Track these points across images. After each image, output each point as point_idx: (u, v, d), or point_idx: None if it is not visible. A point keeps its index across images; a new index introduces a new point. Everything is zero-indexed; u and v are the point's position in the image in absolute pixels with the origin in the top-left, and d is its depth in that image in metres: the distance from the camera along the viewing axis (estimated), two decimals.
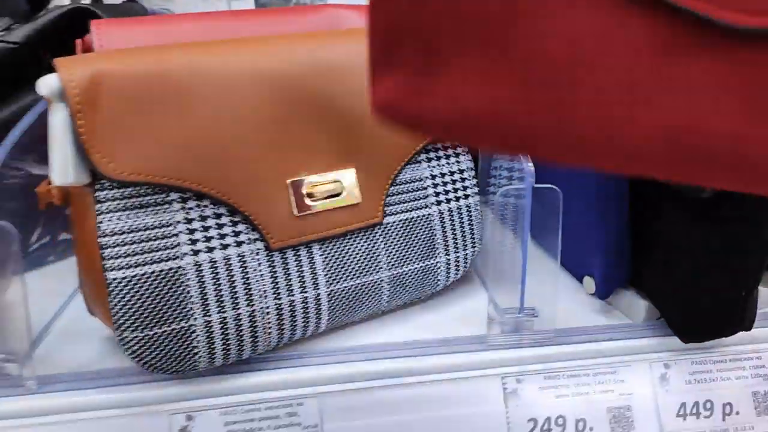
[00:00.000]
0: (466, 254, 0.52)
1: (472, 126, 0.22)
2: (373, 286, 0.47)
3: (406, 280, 0.49)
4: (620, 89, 0.20)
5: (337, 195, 0.45)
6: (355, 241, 0.46)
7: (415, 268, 0.49)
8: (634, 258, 0.47)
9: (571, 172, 0.45)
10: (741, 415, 0.45)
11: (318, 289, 0.45)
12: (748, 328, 0.44)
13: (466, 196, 0.52)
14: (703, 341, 0.45)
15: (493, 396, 0.44)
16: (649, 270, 0.47)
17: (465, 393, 0.45)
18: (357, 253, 0.46)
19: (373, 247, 0.47)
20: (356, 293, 0.46)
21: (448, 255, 0.51)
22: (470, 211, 0.52)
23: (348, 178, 0.46)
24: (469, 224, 0.52)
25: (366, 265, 0.47)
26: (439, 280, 0.51)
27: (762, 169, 0.19)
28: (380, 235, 0.47)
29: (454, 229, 0.51)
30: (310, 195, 0.44)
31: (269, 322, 0.43)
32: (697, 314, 0.44)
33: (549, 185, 0.44)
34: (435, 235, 0.50)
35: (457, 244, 0.51)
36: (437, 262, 0.50)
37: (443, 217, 0.50)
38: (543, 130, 0.21)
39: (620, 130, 0.20)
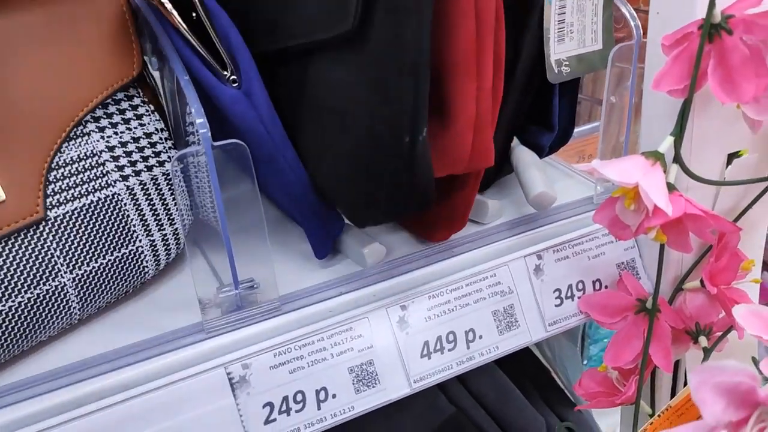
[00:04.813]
0: (176, 229, 0.45)
1: None
2: (53, 295, 0.38)
3: (99, 277, 0.40)
4: None
5: None
6: (12, 247, 0.37)
7: (109, 260, 0.41)
8: None
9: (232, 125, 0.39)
10: (484, 338, 0.43)
11: None
12: (422, 196, 0.38)
13: (161, 163, 0.44)
14: (376, 219, 0.41)
15: (219, 389, 0.38)
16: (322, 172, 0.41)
17: (189, 394, 0.38)
18: (19, 262, 0.37)
19: (42, 248, 0.38)
20: (30, 309, 0.37)
21: (152, 236, 0.43)
22: (169, 179, 0.44)
23: None
24: (172, 193, 0.44)
25: (36, 272, 0.38)
26: (146, 267, 0.43)
27: None
28: (49, 233, 0.38)
29: (153, 205, 0.43)
30: None
31: None
32: (361, 182, 0.39)
33: (232, 140, 0.37)
34: (128, 217, 0.42)
35: (160, 221, 0.44)
36: (138, 248, 0.42)
37: (135, 194, 0.42)
38: None
39: None
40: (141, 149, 0.43)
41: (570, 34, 0.43)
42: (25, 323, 0.38)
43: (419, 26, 0.34)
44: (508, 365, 0.66)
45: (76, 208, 0.39)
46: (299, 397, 0.39)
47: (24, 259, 0.37)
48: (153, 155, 0.43)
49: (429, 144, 0.37)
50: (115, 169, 0.41)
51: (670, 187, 0.36)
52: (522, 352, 0.70)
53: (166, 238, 0.44)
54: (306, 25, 0.38)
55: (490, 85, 0.38)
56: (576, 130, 0.53)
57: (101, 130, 0.41)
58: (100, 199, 0.40)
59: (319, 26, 0.37)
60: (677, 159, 0.37)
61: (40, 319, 0.38)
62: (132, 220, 0.42)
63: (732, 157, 0.43)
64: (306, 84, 0.40)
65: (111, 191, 0.41)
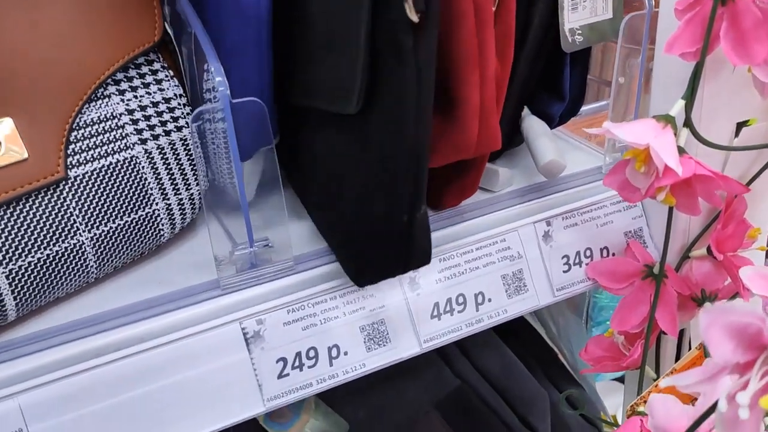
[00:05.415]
0: (192, 194, 0.45)
1: None
2: (71, 252, 0.39)
3: (116, 237, 0.41)
4: None
5: None
6: (33, 204, 0.38)
7: (126, 221, 0.42)
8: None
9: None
10: (493, 301, 0.44)
11: None
12: (420, 261, 0.40)
13: (179, 128, 0.44)
14: (374, 281, 0.41)
15: (233, 344, 0.39)
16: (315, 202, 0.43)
17: (204, 347, 0.39)
18: (39, 219, 0.38)
19: (62, 207, 0.39)
20: (49, 265, 0.38)
21: (168, 199, 0.44)
22: (187, 144, 0.45)
23: (3, 130, 0.37)
24: (189, 159, 0.45)
25: (55, 230, 0.38)
26: (161, 229, 0.44)
27: None
28: (69, 192, 0.39)
29: (170, 169, 0.44)
30: None
31: None
32: (360, 249, 0.40)
33: (250, 98, 0.38)
34: (145, 180, 0.42)
35: (176, 185, 0.44)
36: (155, 210, 0.43)
37: (152, 157, 0.43)
38: None
39: None
40: (160, 113, 0.43)
41: (583, 2, 0.43)
42: (44, 279, 0.38)
43: (420, 115, 0.34)
44: (513, 343, 0.67)
45: (95, 169, 0.40)
46: (312, 353, 0.40)
47: (44, 216, 0.38)
48: (171, 120, 0.44)
49: (426, 216, 0.38)
50: (134, 132, 0.42)
51: (680, 151, 0.37)
52: (526, 330, 0.71)
53: (181, 202, 0.45)
54: (315, 91, 0.39)
55: (492, 72, 0.38)
56: (583, 108, 0.54)
57: (121, 93, 0.42)
58: (118, 161, 0.41)
59: (326, 98, 0.38)
60: (687, 122, 0.37)
61: (58, 276, 0.39)
62: (149, 183, 0.43)
63: (741, 126, 0.43)
64: (316, 142, 0.42)
65: (129, 154, 0.42)
